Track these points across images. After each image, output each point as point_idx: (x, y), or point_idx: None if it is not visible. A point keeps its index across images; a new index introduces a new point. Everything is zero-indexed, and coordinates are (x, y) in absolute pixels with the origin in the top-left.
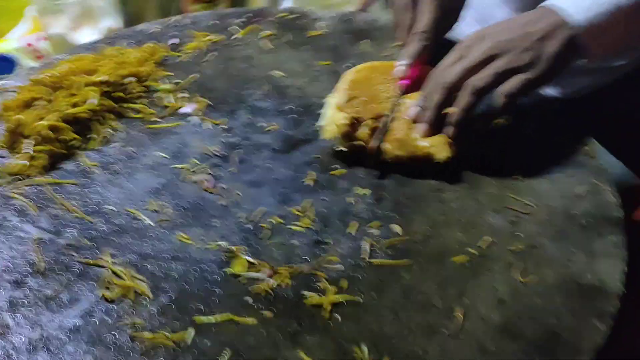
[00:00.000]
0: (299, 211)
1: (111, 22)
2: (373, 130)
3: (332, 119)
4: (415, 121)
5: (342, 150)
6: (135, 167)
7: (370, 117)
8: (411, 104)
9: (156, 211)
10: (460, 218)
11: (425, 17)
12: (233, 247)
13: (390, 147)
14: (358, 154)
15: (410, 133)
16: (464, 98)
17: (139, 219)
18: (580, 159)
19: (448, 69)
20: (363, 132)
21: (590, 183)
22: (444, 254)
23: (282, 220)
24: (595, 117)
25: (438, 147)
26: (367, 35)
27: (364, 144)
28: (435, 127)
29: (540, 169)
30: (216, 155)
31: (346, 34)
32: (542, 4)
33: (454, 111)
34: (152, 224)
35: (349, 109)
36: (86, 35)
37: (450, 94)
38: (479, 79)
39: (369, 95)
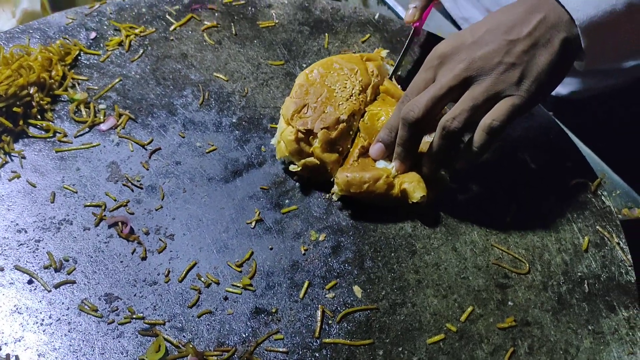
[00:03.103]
0: (237, 266)
1: (27, 3)
2: (328, 142)
3: (281, 135)
4: (375, 159)
5: (295, 170)
6: (24, 206)
7: (325, 125)
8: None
9: (53, 267)
10: (436, 278)
11: None
12: (152, 321)
13: (348, 179)
14: (315, 173)
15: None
16: (436, 142)
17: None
18: (581, 197)
19: (414, 101)
20: (315, 146)
21: (595, 231)
22: (415, 331)
23: (215, 280)
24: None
25: (412, 184)
26: (327, 28)
27: (317, 162)
28: (410, 162)
29: (533, 209)
30: (138, 187)
31: (303, 26)
32: None
33: (426, 155)
34: (48, 288)
35: (298, 121)
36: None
37: (419, 130)
38: (453, 117)
39: (324, 99)
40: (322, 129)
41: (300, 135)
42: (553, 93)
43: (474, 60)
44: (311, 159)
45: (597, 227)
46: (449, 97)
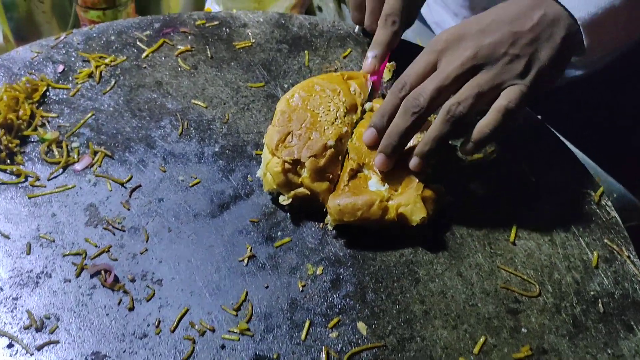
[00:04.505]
0: (233, 309)
1: None
2: (317, 170)
3: (267, 166)
4: (369, 146)
5: (287, 203)
6: None
7: (313, 153)
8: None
9: (33, 327)
10: (444, 307)
11: None
12: None
13: (340, 208)
14: (306, 203)
15: (367, 183)
16: (438, 126)
17: None
18: (585, 208)
19: (419, 90)
20: (304, 176)
21: (603, 245)
22: None
23: (210, 327)
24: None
25: (409, 206)
26: (306, 44)
27: (307, 192)
28: (395, 160)
29: (537, 224)
30: (120, 229)
31: (281, 44)
32: None
33: (423, 140)
34: (30, 351)
35: (283, 151)
36: None
37: (420, 121)
38: (458, 102)
39: (308, 125)
40: (309, 157)
41: (287, 165)
42: None
43: (482, 48)
44: (301, 189)
45: (605, 240)
46: (454, 87)
